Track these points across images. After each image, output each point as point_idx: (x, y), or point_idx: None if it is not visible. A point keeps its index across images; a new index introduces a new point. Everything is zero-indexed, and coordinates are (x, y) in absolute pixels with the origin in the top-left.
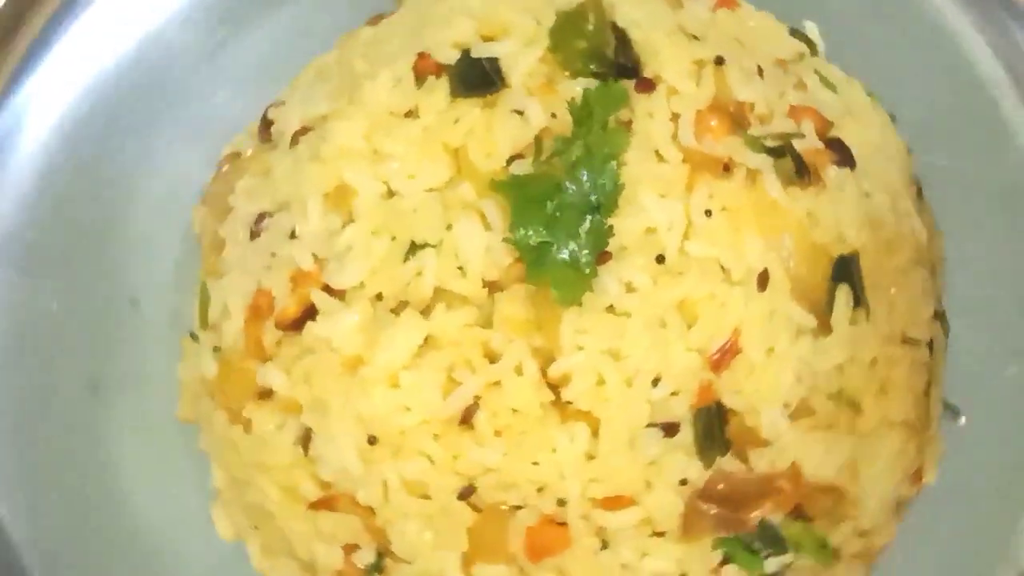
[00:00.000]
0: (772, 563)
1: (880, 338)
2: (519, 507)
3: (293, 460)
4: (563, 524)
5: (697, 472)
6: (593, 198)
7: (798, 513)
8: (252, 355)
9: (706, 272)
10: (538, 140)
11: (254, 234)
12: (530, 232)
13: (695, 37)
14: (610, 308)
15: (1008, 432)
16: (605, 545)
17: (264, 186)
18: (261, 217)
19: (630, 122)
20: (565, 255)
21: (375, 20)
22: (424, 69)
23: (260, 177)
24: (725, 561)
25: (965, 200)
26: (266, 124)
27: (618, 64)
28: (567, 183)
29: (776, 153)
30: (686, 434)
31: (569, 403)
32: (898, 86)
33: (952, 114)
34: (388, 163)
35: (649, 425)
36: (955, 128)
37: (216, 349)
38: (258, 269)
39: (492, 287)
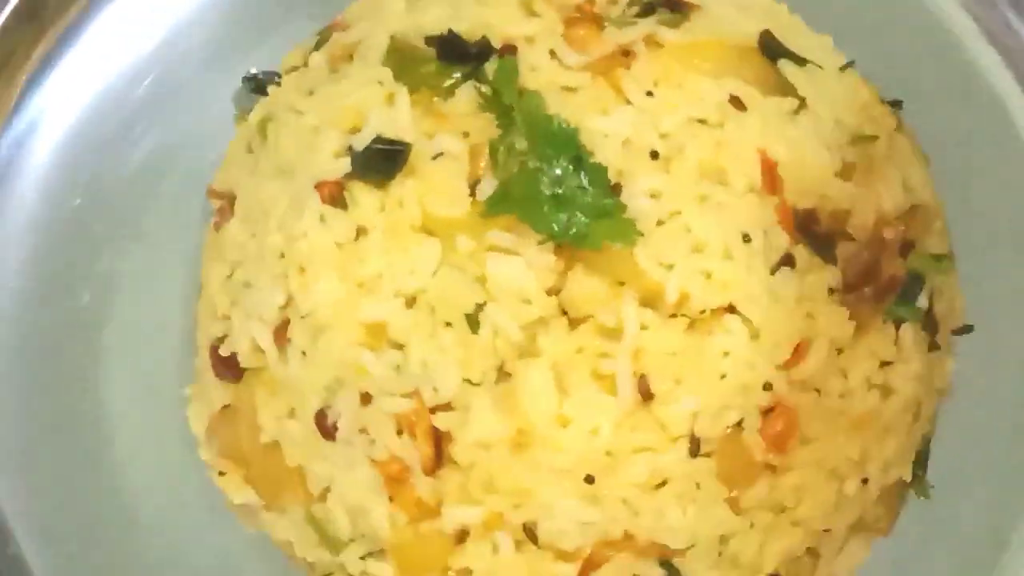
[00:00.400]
0: (922, 300)
1: (835, 74)
2: (739, 423)
3: (530, 558)
4: (777, 405)
5: (833, 276)
6: (568, 157)
7: (909, 246)
8: (423, 518)
9: (693, 133)
10: (493, 151)
11: (329, 433)
12: (553, 220)
13: None
14: (660, 222)
15: None
16: (818, 392)
17: (292, 396)
18: (321, 415)
19: (522, 90)
20: (592, 211)
21: (219, 225)
22: (333, 194)
23: (275, 394)
24: (897, 326)
25: None
26: (224, 360)
27: (473, 55)
28: (538, 164)
29: (647, 12)
30: (801, 255)
31: (702, 312)
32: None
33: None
34: (385, 281)
35: (772, 273)
36: None
37: (376, 551)
38: (361, 453)
39: (555, 291)
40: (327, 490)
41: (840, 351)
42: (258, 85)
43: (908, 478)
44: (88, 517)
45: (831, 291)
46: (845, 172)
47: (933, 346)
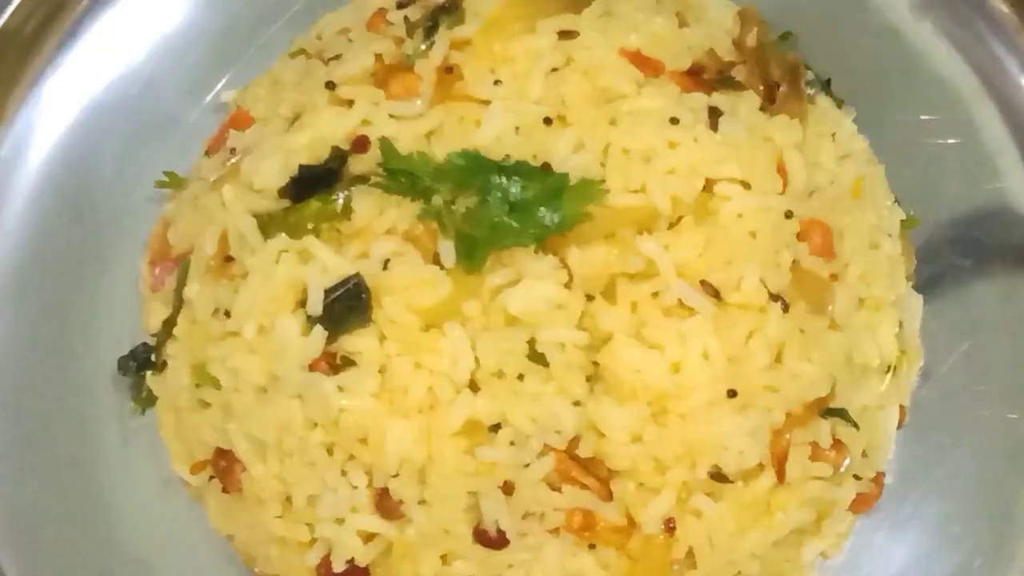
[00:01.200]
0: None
1: None
2: (793, 261)
3: (732, 499)
4: (804, 224)
5: (753, 98)
6: (492, 174)
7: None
8: (629, 539)
9: (558, 83)
10: (434, 219)
11: (499, 541)
12: (529, 225)
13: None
14: (601, 164)
15: None
16: (816, 193)
17: (436, 544)
18: (480, 533)
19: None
20: (549, 196)
21: (227, 487)
22: (329, 362)
23: (418, 556)
24: None
25: None
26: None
27: (334, 170)
28: (473, 198)
29: (433, 28)
30: (720, 101)
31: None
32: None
33: None
34: (441, 390)
35: (716, 129)
36: None
37: None
38: (540, 534)
39: (570, 284)
40: None
41: (802, 149)
42: (140, 363)
43: (903, 215)
44: None
45: (762, 109)
46: (681, 21)
47: (838, 103)
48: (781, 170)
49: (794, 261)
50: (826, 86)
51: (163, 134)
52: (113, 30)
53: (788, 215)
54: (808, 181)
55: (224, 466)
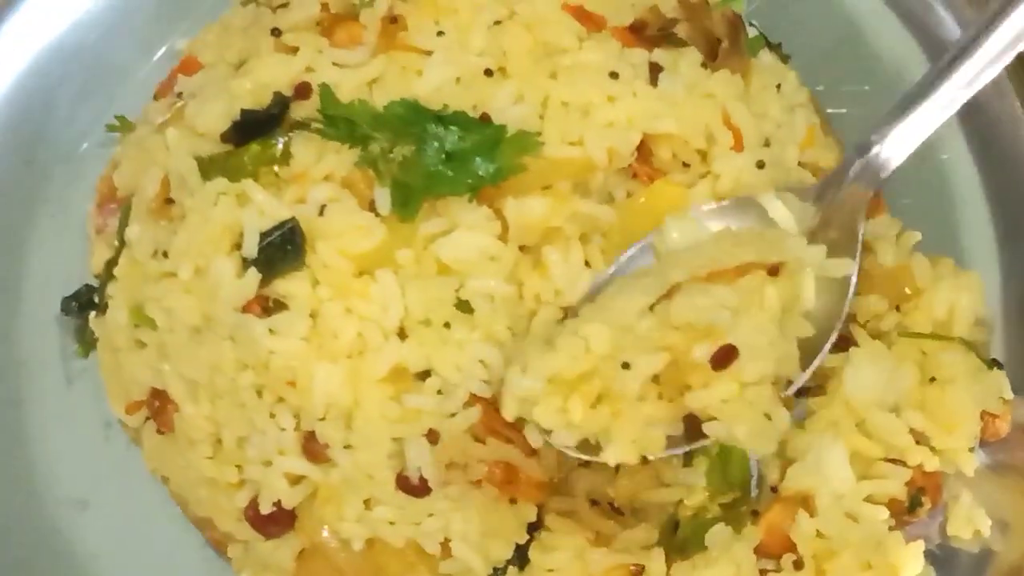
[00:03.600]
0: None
1: None
2: None
3: None
4: None
5: (694, 54)
6: (428, 124)
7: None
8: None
9: (499, 34)
10: (370, 166)
11: (421, 489)
12: (464, 175)
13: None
14: (540, 116)
15: None
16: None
17: (360, 488)
18: (403, 479)
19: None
20: (485, 147)
21: (162, 428)
22: (263, 305)
23: (343, 501)
24: None
25: None
26: (270, 517)
27: (276, 115)
28: (410, 147)
29: None
30: (662, 57)
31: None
32: None
33: None
34: (370, 336)
35: (656, 85)
36: None
37: None
38: (462, 484)
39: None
40: (447, 543)
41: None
42: (82, 304)
43: None
44: None
45: (704, 66)
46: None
47: (783, 59)
48: (728, 123)
49: None
50: (768, 42)
51: (119, 80)
52: None
53: (760, 165)
54: (758, 131)
55: (158, 406)
